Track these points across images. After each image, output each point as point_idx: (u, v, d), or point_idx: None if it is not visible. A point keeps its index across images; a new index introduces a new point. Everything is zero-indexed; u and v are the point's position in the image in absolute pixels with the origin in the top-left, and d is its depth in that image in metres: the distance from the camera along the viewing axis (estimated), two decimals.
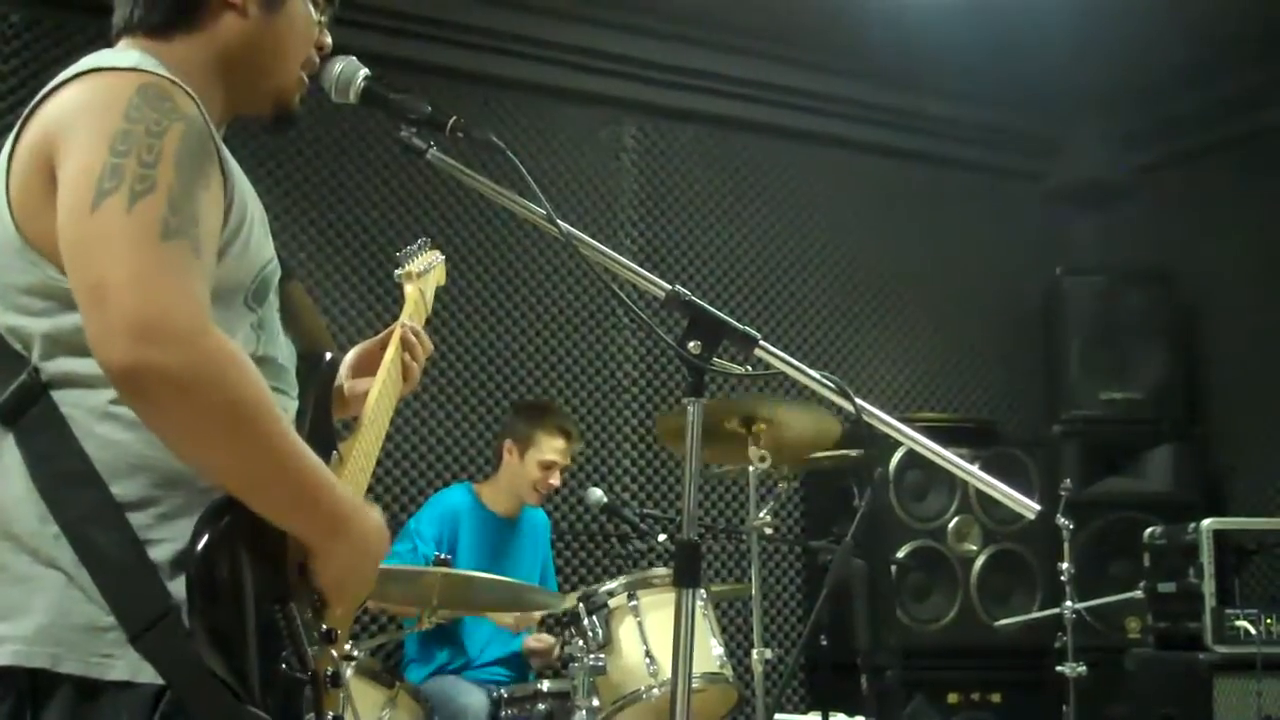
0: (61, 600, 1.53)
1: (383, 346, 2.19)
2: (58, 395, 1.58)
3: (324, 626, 1.71)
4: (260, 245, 1.71)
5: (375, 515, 1.75)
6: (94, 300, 1.47)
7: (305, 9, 1.84)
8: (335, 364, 1.92)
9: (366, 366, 2.17)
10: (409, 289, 2.44)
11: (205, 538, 1.54)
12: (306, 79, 1.88)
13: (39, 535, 1.55)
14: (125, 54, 1.67)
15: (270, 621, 1.60)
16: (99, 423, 1.57)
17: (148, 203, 1.50)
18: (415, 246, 2.53)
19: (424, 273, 2.48)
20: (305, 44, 1.85)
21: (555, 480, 4.66)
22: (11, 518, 1.57)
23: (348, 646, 3.42)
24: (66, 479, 1.55)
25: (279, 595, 1.63)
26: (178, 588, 1.53)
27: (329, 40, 1.90)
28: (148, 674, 1.51)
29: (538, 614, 4.57)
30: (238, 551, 1.57)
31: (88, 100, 1.58)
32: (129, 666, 1.51)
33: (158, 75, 1.62)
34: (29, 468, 1.56)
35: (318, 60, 1.89)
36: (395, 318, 2.27)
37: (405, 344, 2.18)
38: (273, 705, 1.57)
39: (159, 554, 1.54)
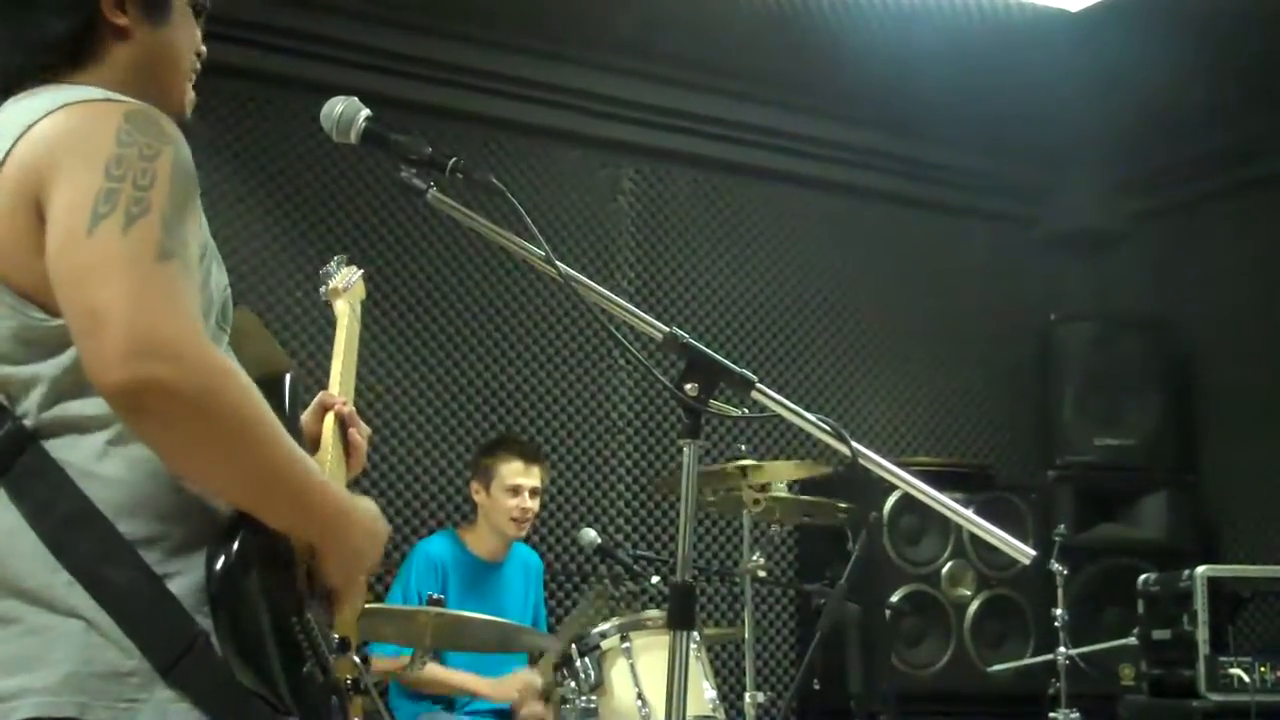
0: (83, 648, 1.51)
1: (315, 418, 2.13)
2: (49, 444, 1.56)
3: (336, 636, 1.73)
4: (220, 267, 1.71)
5: (366, 501, 1.76)
6: (92, 322, 1.46)
7: (186, 14, 1.82)
8: (296, 384, 1.90)
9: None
10: (339, 305, 2.45)
11: (222, 560, 1.55)
12: (193, 92, 1.85)
13: (51, 586, 1.52)
14: (78, 89, 1.65)
15: (291, 633, 1.61)
16: (97, 463, 1.55)
17: (143, 225, 1.50)
18: (333, 264, 2.55)
19: (348, 288, 2.50)
20: (190, 51, 1.83)
21: (528, 504, 4.60)
22: (18, 574, 1.54)
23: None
24: (70, 522, 1.53)
25: (295, 607, 1.65)
26: (203, 616, 1.53)
27: (203, 48, 1.86)
28: (177, 713, 1.50)
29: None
30: (254, 570, 1.57)
31: (75, 129, 1.57)
32: (155, 710, 1.50)
33: (140, 103, 1.62)
34: (27, 518, 1.54)
35: (198, 67, 1.86)
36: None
37: (348, 420, 2.12)
38: (303, 715, 1.58)
39: (177, 586, 1.54)
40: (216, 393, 1.48)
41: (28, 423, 1.56)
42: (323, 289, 2.52)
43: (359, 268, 2.60)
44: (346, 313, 2.43)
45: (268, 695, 1.54)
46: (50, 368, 1.56)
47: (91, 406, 1.54)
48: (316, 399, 2.13)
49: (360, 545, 1.71)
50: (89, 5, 1.70)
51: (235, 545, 1.56)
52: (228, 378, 1.51)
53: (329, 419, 2.10)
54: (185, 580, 1.55)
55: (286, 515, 1.61)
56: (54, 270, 1.51)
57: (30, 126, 1.58)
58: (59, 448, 1.56)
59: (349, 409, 2.14)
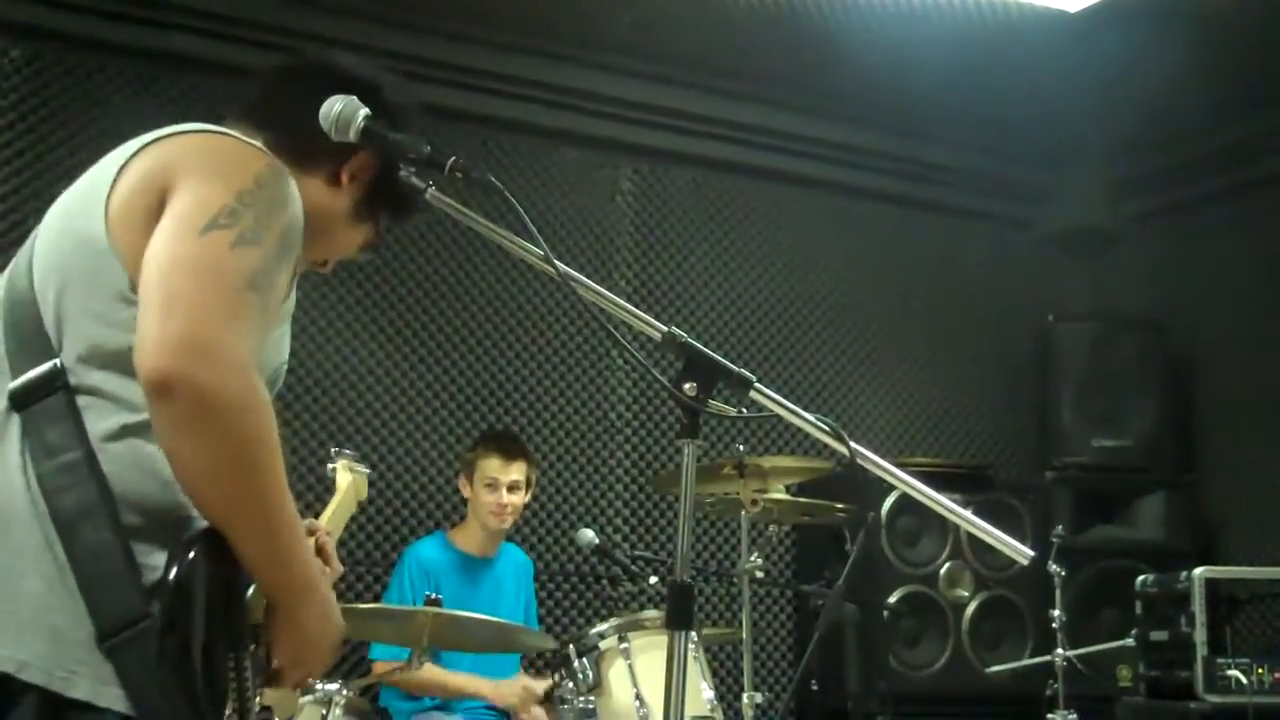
0: (35, 610, 1.54)
1: None
2: (80, 400, 1.61)
3: (260, 703, 1.73)
4: (284, 341, 1.81)
5: (333, 597, 1.78)
6: (164, 307, 1.53)
7: (368, 224, 2.00)
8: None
9: None
10: (341, 477, 2.61)
11: (176, 567, 1.57)
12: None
13: (28, 526, 1.56)
14: (252, 139, 1.80)
15: (223, 666, 1.62)
16: (111, 442, 1.60)
17: (249, 252, 1.60)
18: (348, 450, 2.77)
19: (354, 474, 2.68)
20: (346, 249, 2.03)
21: (505, 499, 4.60)
22: (4, 507, 1.58)
23: (336, 685, 3.45)
24: (68, 471, 1.57)
25: (235, 642, 1.65)
26: (155, 607, 1.54)
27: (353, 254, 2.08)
28: (108, 698, 1.52)
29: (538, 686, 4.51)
30: (206, 587, 1.59)
31: (222, 151, 1.72)
32: (91, 686, 1.52)
33: (283, 164, 1.76)
34: (30, 455, 1.59)
35: (331, 262, 2.05)
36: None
37: (323, 551, 2.10)
38: None
39: (149, 577, 1.56)
40: (241, 412, 1.54)
41: (71, 379, 1.61)
42: (331, 465, 2.72)
43: (369, 468, 2.82)
44: (346, 485, 2.61)
45: (189, 713, 1.54)
46: (114, 338, 1.61)
47: (132, 391, 1.58)
48: (305, 522, 2.14)
49: (315, 628, 1.72)
50: (342, 158, 1.92)
51: (194, 554, 1.58)
52: (258, 407, 1.57)
53: (310, 542, 2.11)
54: (151, 576, 1.57)
55: (259, 552, 1.63)
56: (151, 250, 1.59)
57: (184, 133, 1.73)
58: (86, 407, 1.60)
59: (329, 542, 2.15)
